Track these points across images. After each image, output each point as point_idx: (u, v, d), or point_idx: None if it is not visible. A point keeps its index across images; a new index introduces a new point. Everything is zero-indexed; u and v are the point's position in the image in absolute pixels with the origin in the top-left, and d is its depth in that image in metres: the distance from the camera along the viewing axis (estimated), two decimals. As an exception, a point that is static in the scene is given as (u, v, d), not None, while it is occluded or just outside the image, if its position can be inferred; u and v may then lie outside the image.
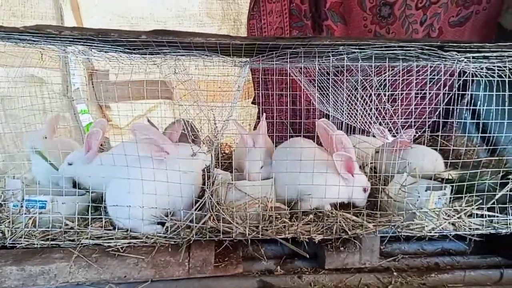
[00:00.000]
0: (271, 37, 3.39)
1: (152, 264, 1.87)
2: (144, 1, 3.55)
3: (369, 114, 2.26)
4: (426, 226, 2.05)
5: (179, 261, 1.88)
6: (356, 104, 2.29)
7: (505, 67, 2.03)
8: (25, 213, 2.00)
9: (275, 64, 2.09)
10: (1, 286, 1.78)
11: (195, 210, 2.00)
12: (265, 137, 2.60)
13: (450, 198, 2.21)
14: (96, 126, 2.36)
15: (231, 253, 2.02)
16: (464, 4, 3.44)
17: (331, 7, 3.53)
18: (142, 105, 3.18)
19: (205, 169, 2.12)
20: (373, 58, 2.01)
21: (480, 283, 2.02)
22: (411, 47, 1.90)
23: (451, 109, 2.59)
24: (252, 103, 3.86)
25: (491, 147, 2.51)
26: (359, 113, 2.33)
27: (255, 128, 3.80)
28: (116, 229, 2.01)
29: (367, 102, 2.23)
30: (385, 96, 2.15)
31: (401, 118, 2.15)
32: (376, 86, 2.14)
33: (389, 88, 2.29)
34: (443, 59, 2.00)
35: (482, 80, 2.10)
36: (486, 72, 2.09)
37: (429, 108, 2.43)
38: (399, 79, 2.25)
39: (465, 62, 1.98)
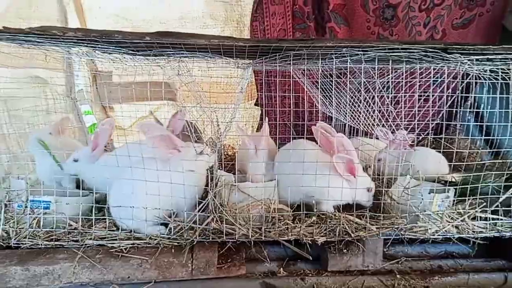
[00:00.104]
0: (274, 39, 3.39)
1: (155, 265, 1.87)
2: (148, 3, 3.56)
3: (372, 116, 2.26)
4: (430, 228, 2.05)
5: (182, 262, 1.89)
6: (359, 106, 2.29)
7: (509, 69, 2.03)
8: (29, 214, 2.01)
9: (278, 66, 2.10)
10: (6, 286, 1.79)
11: (198, 211, 2.00)
12: (268, 139, 2.60)
13: (454, 200, 2.21)
14: (104, 125, 2.37)
15: (234, 255, 2.02)
16: (467, 6, 3.44)
17: (334, 9, 3.53)
18: (145, 106, 3.19)
19: (208, 171, 2.12)
20: (377, 60, 2.01)
21: (484, 286, 2.01)
22: (415, 49, 1.90)
23: (454, 111, 2.59)
24: (255, 104, 3.86)
25: (494, 150, 2.50)
26: (362, 115, 2.33)
27: (258, 130, 3.81)
28: (120, 230, 2.02)
29: (370, 104, 2.22)
30: (388, 98, 2.15)
31: (404, 120, 2.14)
32: (379, 88, 2.14)
33: (392, 90, 2.29)
34: (447, 62, 2.00)
35: (485, 82, 2.10)
36: (490, 75, 2.09)
37: (432, 110, 2.43)
38: (402, 81, 2.25)
39: (468, 65, 1.98)
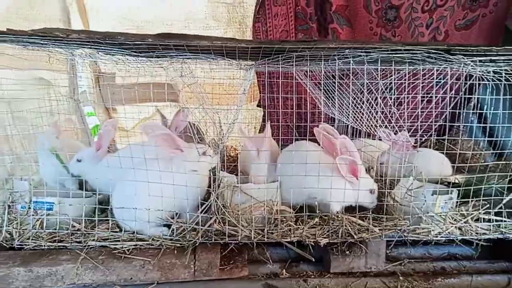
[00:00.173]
0: (277, 40, 3.39)
1: (158, 267, 1.87)
2: (150, 5, 3.57)
3: (375, 117, 2.26)
4: (433, 230, 2.04)
5: (185, 263, 1.89)
6: (362, 107, 2.29)
7: (512, 70, 2.02)
8: (32, 215, 2.02)
9: (281, 67, 2.10)
10: (9, 287, 1.80)
11: (201, 212, 2.00)
12: (270, 140, 2.60)
13: (457, 202, 2.20)
14: (107, 126, 2.38)
15: (236, 256, 2.02)
16: (470, 7, 3.43)
17: (337, 10, 3.53)
18: (148, 107, 3.20)
19: (211, 172, 2.12)
20: (379, 62, 2.01)
21: (487, 288, 2.01)
22: (418, 50, 1.90)
23: (457, 112, 2.57)
24: (258, 106, 3.86)
25: (498, 151, 2.49)
26: (365, 117, 2.33)
27: (260, 131, 3.81)
28: (123, 231, 2.02)
29: (373, 105, 2.22)
30: (391, 99, 2.14)
31: (407, 122, 2.14)
32: (382, 89, 2.14)
33: (395, 91, 2.29)
34: (450, 63, 1.99)
35: (489, 83, 2.09)
36: (493, 76, 2.08)
37: (435, 111, 2.42)
38: (405, 83, 2.25)
39: (471, 66, 1.97)
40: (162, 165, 2.00)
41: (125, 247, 1.93)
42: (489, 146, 2.79)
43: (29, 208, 2.05)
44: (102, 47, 1.95)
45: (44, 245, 1.94)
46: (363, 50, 1.92)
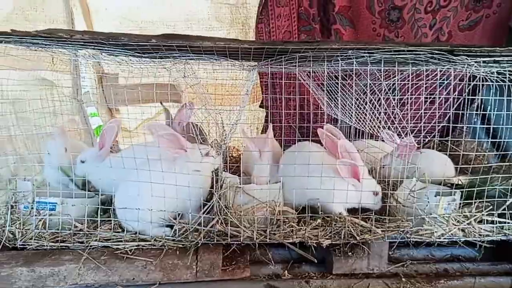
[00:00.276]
0: (279, 41, 3.39)
1: (160, 267, 1.87)
2: (153, 6, 3.58)
3: (378, 118, 2.25)
4: (435, 232, 2.04)
5: (187, 264, 1.89)
6: (364, 108, 2.28)
7: (516, 71, 2.01)
8: (35, 215, 2.03)
9: (284, 68, 2.10)
10: (12, 287, 1.80)
11: (203, 213, 2.00)
12: (273, 141, 2.60)
13: (460, 204, 2.19)
14: (110, 124, 2.38)
15: (238, 257, 2.02)
16: (474, 8, 3.42)
17: (340, 11, 3.53)
18: (151, 108, 3.20)
19: (213, 173, 2.12)
20: (383, 62, 2.01)
21: (490, 290, 2.00)
22: (421, 51, 1.89)
23: (460, 113, 2.57)
24: (260, 106, 3.86)
25: (501, 153, 2.48)
26: (368, 118, 2.32)
27: (262, 131, 3.81)
28: (125, 231, 2.02)
29: (376, 106, 2.22)
30: (394, 100, 2.14)
31: (410, 123, 2.13)
32: (385, 90, 2.13)
33: (398, 92, 2.28)
34: (453, 64, 1.99)
35: (492, 84, 2.08)
36: (497, 77, 2.07)
37: (438, 112, 2.42)
38: (408, 83, 2.24)
39: (475, 67, 1.97)
40: (165, 165, 2.00)
41: (127, 248, 1.93)
42: (493, 147, 2.78)
43: (32, 208, 2.05)
44: (106, 48, 1.95)
45: (47, 245, 1.94)
46: (366, 51, 1.91)
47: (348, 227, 2.02)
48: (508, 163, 2.36)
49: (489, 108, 2.20)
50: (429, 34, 3.53)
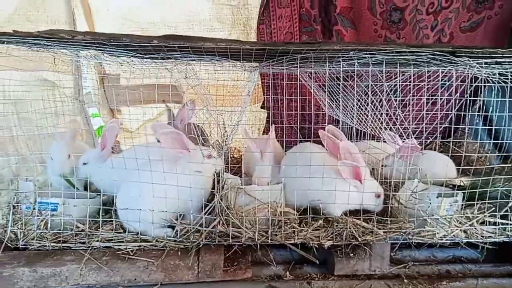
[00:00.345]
0: (281, 42, 3.40)
1: (161, 268, 1.87)
2: (155, 7, 3.59)
3: (379, 119, 2.25)
4: (437, 233, 2.03)
5: (189, 265, 1.89)
6: (366, 109, 2.28)
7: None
8: (37, 215, 2.03)
9: (285, 69, 2.10)
10: (14, 287, 1.80)
11: (205, 214, 2.00)
12: (274, 142, 2.60)
13: (462, 205, 2.18)
14: (111, 124, 2.38)
15: (240, 258, 2.02)
16: (476, 9, 3.41)
17: (341, 12, 3.53)
18: (152, 109, 3.21)
19: (215, 173, 2.12)
20: (384, 64, 2.01)
21: (492, 292, 1.99)
22: (423, 52, 1.89)
23: (462, 115, 2.56)
24: (261, 107, 3.86)
25: (503, 154, 2.48)
26: (369, 119, 2.32)
27: (264, 132, 3.81)
28: (127, 232, 2.02)
29: (377, 107, 2.21)
30: (395, 101, 2.14)
31: (412, 124, 2.13)
32: (387, 91, 2.13)
33: (400, 93, 2.28)
34: (455, 65, 1.99)
35: (494, 85, 2.08)
36: (499, 78, 2.07)
37: (440, 114, 2.41)
38: (410, 85, 2.24)
39: (477, 68, 1.96)
40: (166, 166, 2.00)
41: (129, 248, 1.93)
42: (495, 148, 2.78)
43: (34, 208, 2.05)
44: (107, 49, 1.96)
45: (49, 246, 1.95)
46: (367, 52, 1.91)
47: (349, 228, 2.01)
48: (510, 165, 2.35)
49: (491, 109, 2.20)
50: (431, 35, 3.53)
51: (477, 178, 2.15)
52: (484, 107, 2.93)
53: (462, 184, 2.38)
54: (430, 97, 2.33)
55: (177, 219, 2.05)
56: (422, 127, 2.19)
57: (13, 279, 1.81)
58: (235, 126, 2.11)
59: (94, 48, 2.00)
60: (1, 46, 1.97)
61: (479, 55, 1.90)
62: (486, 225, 2.10)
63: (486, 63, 1.95)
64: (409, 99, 2.20)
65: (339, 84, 2.37)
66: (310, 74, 3.04)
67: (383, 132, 2.46)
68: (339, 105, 2.72)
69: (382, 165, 2.56)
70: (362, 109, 2.37)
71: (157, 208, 1.98)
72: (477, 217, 2.09)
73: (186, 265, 1.89)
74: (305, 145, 2.43)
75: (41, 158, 2.49)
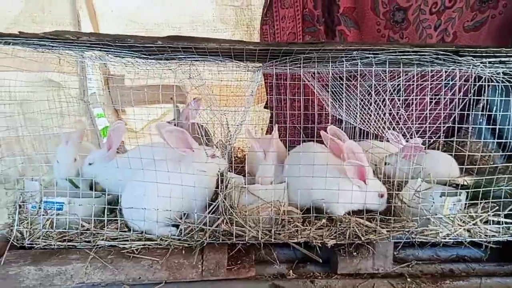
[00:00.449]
0: (284, 42, 3.41)
1: (166, 266, 1.89)
2: (159, 8, 3.61)
3: (382, 119, 2.26)
4: (441, 232, 2.03)
5: (193, 263, 1.90)
6: (369, 109, 2.29)
7: (522, 72, 2.00)
8: (43, 215, 2.05)
9: (288, 69, 2.11)
10: (20, 285, 1.82)
11: (209, 213, 2.02)
12: (277, 141, 2.61)
13: (466, 204, 2.18)
14: (116, 125, 2.40)
15: (243, 257, 2.03)
16: (479, 8, 3.40)
17: (344, 12, 3.53)
18: (156, 109, 3.23)
19: (219, 173, 2.13)
20: (387, 63, 2.01)
21: (496, 291, 1.99)
22: (426, 52, 1.89)
23: (466, 114, 2.56)
24: (265, 107, 3.87)
25: (507, 153, 2.47)
26: (373, 118, 2.33)
27: (267, 132, 3.82)
28: (131, 231, 2.04)
29: (380, 107, 2.22)
30: (399, 101, 2.14)
31: (415, 124, 2.13)
32: (390, 91, 2.13)
33: (403, 93, 2.28)
34: (458, 64, 1.99)
35: (498, 85, 2.08)
36: (503, 77, 2.07)
37: (443, 113, 2.41)
38: (413, 84, 2.24)
39: (481, 67, 1.96)
40: (171, 166, 2.02)
41: (133, 247, 1.95)
42: (498, 148, 2.77)
43: (40, 208, 2.07)
44: (112, 50, 1.97)
45: (54, 245, 1.97)
46: (370, 52, 1.92)
47: (353, 227, 2.02)
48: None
49: (494, 109, 2.19)
50: (434, 35, 3.53)
51: (481, 177, 2.15)
52: (488, 106, 2.92)
53: (465, 183, 2.37)
54: (433, 97, 2.32)
55: (181, 218, 2.07)
56: (426, 126, 2.19)
57: (19, 278, 1.83)
58: (238, 126, 2.12)
59: (99, 49, 2.02)
60: (7, 47, 1.99)
61: (483, 54, 1.90)
62: (490, 224, 2.09)
63: (490, 62, 1.95)
64: (413, 99, 2.20)
65: (342, 84, 2.37)
66: (313, 74, 3.04)
67: (387, 131, 2.47)
68: (342, 105, 2.73)
69: (385, 163, 2.56)
70: (365, 109, 2.38)
71: (162, 207, 1.99)
72: (480, 216, 2.09)
73: (190, 264, 1.90)
74: (308, 145, 2.44)
75: (47, 158, 2.51)
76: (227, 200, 2.01)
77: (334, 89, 2.84)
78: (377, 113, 2.26)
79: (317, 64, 2.12)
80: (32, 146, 2.71)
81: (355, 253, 2.04)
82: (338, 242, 2.00)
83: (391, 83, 2.25)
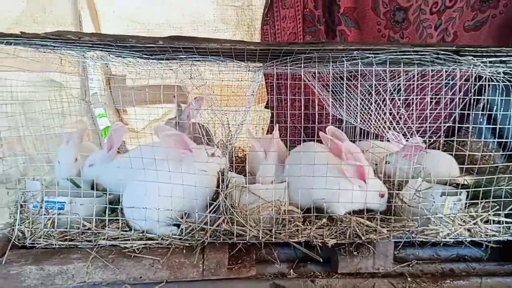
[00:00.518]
0: (285, 42, 3.41)
1: (167, 266, 1.89)
2: (160, 8, 3.62)
3: (383, 119, 2.26)
4: (441, 231, 2.04)
5: (194, 263, 1.91)
6: (370, 109, 2.29)
7: (522, 71, 2.01)
8: (44, 214, 2.05)
9: (289, 69, 2.11)
10: (21, 285, 1.83)
11: (210, 212, 2.02)
12: (278, 141, 2.61)
13: (466, 204, 2.18)
14: (117, 126, 2.40)
15: (244, 256, 2.03)
16: (480, 8, 3.41)
17: (345, 12, 3.54)
18: (158, 109, 3.24)
19: (219, 172, 2.14)
20: (388, 63, 2.01)
21: (497, 290, 1.99)
22: (427, 51, 1.90)
23: (466, 114, 2.56)
24: (266, 107, 3.88)
25: (508, 153, 2.47)
26: (373, 118, 2.33)
27: (268, 132, 3.83)
28: (132, 230, 2.05)
29: (381, 107, 2.22)
30: (399, 101, 2.14)
31: (415, 123, 2.14)
32: (391, 91, 2.14)
33: (404, 93, 2.29)
34: (459, 64, 1.99)
35: (498, 84, 2.08)
36: (503, 77, 2.07)
37: (444, 113, 2.41)
38: (413, 84, 2.25)
39: (481, 67, 1.96)
40: (171, 165, 2.02)
41: (134, 246, 1.95)
42: (499, 147, 2.77)
43: (41, 207, 2.08)
44: (113, 50, 1.98)
45: (55, 244, 1.97)
46: (371, 52, 1.92)
47: (353, 226, 2.02)
48: (514, 163, 2.34)
49: (495, 108, 2.20)
50: (434, 35, 3.53)
51: (481, 177, 2.15)
52: (488, 106, 2.92)
53: (466, 182, 2.37)
54: (434, 96, 2.33)
55: (182, 218, 2.07)
56: (426, 126, 2.20)
57: (21, 277, 1.84)
58: (239, 125, 2.12)
59: (101, 49, 2.02)
60: (8, 48, 1.99)
61: (483, 54, 1.90)
62: (490, 223, 2.09)
63: (490, 62, 1.95)
64: (413, 98, 2.20)
65: (342, 84, 2.37)
66: (313, 74, 3.05)
67: (387, 131, 2.47)
68: (343, 105, 2.73)
69: (386, 162, 2.56)
70: (365, 109, 2.38)
71: (163, 206, 1.99)
72: (481, 215, 2.09)
73: (191, 263, 1.91)
74: (309, 145, 2.45)
75: (48, 157, 2.52)
76: (228, 200, 2.02)
77: (335, 89, 2.85)
78: (378, 113, 2.27)
79: (318, 64, 2.12)
80: (34, 146, 2.71)
81: (356, 252, 2.04)
82: (338, 242, 2.00)
83: (392, 82, 2.26)
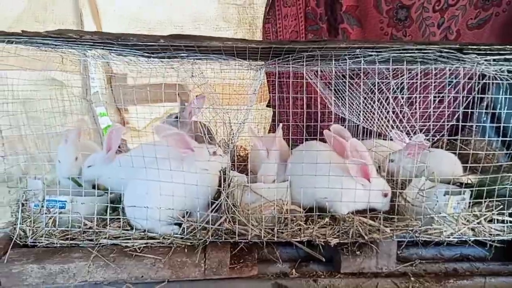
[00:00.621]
0: (286, 40, 3.39)
1: (168, 265, 1.88)
2: (161, 7, 3.61)
3: (386, 117, 2.24)
4: (445, 231, 2.02)
5: (195, 262, 1.90)
6: (372, 107, 2.27)
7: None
8: (45, 213, 2.05)
9: (291, 67, 2.10)
10: (23, 283, 1.83)
11: (211, 211, 2.01)
12: (280, 140, 2.60)
13: (470, 203, 2.17)
14: (115, 127, 2.39)
15: (246, 255, 2.03)
16: (483, 6, 3.38)
17: (347, 10, 3.52)
18: (159, 108, 3.23)
19: (221, 171, 2.13)
20: (391, 61, 2.00)
21: (501, 290, 1.98)
22: (430, 50, 1.88)
23: (469, 112, 2.54)
24: (267, 106, 3.87)
25: (511, 152, 2.46)
26: (376, 117, 2.31)
27: (269, 131, 3.82)
28: (134, 229, 2.04)
29: (384, 105, 2.21)
30: (402, 99, 2.13)
31: (419, 122, 2.12)
32: (394, 89, 2.12)
33: (407, 91, 2.27)
34: (462, 62, 1.97)
35: (502, 83, 2.06)
36: (507, 75, 2.05)
37: (447, 111, 2.40)
38: (416, 82, 2.23)
39: (485, 65, 1.95)
40: (173, 164, 2.02)
41: (136, 246, 1.94)
42: (503, 146, 2.75)
43: (42, 206, 2.08)
44: (115, 48, 1.97)
45: (57, 243, 1.97)
46: (374, 50, 1.91)
47: (356, 226, 2.01)
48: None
49: (498, 107, 2.18)
50: (437, 33, 3.51)
51: (485, 176, 2.13)
52: (492, 105, 2.90)
53: (469, 181, 2.36)
54: (437, 95, 2.31)
55: (184, 217, 2.06)
56: (429, 124, 2.18)
57: (22, 276, 1.84)
58: (241, 124, 2.11)
59: (102, 47, 2.01)
60: (10, 46, 1.98)
61: (487, 52, 1.88)
62: (494, 223, 2.08)
63: (494, 60, 1.93)
64: (416, 97, 2.19)
65: (345, 82, 2.36)
66: (316, 72, 3.04)
67: (390, 130, 2.46)
68: (346, 103, 2.72)
69: (390, 160, 2.55)
70: (368, 107, 2.37)
71: (164, 205, 1.99)
72: (485, 215, 2.08)
73: (193, 262, 1.90)
74: (311, 143, 2.43)
75: (49, 156, 2.51)
76: (229, 199, 2.01)
77: (337, 87, 2.83)
78: (381, 112, 2.25)
79: (320, 62, 2.11)
80: (35, 145, 2.71)
81: (359, 252, 2.03)
82: (341, 241, 1.99)
83: (395, 81, 2.24)
